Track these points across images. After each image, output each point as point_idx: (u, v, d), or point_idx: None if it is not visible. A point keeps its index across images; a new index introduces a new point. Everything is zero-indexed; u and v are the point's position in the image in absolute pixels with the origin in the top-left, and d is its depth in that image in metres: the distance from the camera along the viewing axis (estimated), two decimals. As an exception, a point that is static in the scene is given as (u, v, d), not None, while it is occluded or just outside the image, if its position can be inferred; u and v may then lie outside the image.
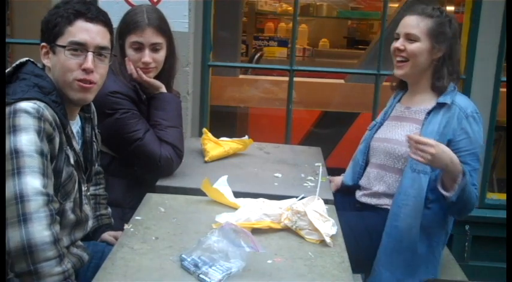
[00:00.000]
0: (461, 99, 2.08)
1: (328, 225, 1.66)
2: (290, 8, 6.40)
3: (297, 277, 1.43)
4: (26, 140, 1.38)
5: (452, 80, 2.11)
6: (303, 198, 1.78)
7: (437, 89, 2.11)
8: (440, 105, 2.06)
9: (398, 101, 2.28)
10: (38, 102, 1.44)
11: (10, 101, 1.42)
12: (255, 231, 1.63)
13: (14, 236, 1.31)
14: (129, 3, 2.62)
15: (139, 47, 2.11)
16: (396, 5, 4.38)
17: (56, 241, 1.35)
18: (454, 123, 2.02)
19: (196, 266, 1.38)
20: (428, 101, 2.13)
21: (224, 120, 3.75)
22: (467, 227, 3.00)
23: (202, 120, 3.01)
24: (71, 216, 1.58)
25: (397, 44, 2.12)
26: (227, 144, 2.37)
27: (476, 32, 2.86)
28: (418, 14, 2.10)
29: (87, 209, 1.68)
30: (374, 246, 2.08)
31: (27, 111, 1.41)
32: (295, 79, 3.07)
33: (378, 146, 2.22)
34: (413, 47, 2.08)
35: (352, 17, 7.02)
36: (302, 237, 1.65)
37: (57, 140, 1.48)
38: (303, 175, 2.19)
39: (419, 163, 1.96)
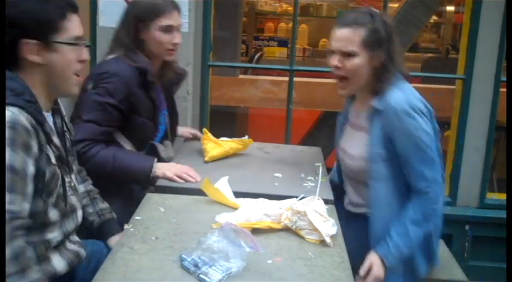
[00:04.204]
0: (393, 98, 1.93)
1: (328, 225, 1.67)
2: (290, 8, 6.42)
3: (297, 277, 1.43)
4: None
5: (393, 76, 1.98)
6: (303, 198, 1.79)
7: (377, 91, 1.99)
8: (376, 109, 1.98)
9: (354, 99, 2.20)
10: (11, 108, 1.37)
11: None
12: (255, 231, 1.63)
13: None
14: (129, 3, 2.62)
15: (168, 30, 2.18)
16: (396, 5, 4.38)
17: (16, 256, 1.28)
18: (388, 124, 1.94)
19: (196, 266, 1.38)
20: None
21: (224, 120, 3.74)
22: (467, 227, 3.01)
23: (202, 120, 3.01)
24: (54, 211, 1.55)
25: (334, 61, 1.97)
26: (227, 144, 2.37)
27: (476, 32, 2.86)
28: (348, 25, 1.95)
29: (73, 199, 1.65)
30: (361, 247, 2.06)
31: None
32: (295, 79, 3.07)
33: (342, 158, 2.18)
34: (351, 64, 1.95)
35: (352, 17, 7.02)
36: (302, 237, 1.65)
37: (34, 145, 1.42)
38: (303, 175, 2.19)
39: (378, 172, 1.95)
